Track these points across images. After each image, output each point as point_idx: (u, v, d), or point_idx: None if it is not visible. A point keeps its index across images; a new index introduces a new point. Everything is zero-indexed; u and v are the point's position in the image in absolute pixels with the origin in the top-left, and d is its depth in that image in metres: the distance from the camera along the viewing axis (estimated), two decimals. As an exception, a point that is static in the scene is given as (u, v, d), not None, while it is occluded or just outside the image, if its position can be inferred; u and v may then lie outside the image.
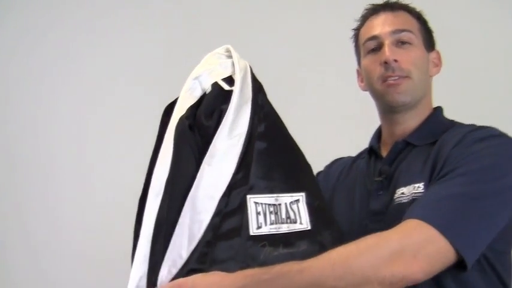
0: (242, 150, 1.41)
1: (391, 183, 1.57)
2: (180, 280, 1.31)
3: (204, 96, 1.47)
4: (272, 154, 1.45)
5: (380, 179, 1.61)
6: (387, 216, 1.50)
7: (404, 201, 1.48)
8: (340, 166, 1.81)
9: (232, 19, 2.78)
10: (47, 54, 2.92)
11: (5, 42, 2.96)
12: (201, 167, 1.38)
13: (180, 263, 1.33)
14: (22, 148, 2.88)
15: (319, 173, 1.83)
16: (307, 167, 1.51)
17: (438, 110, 1.68)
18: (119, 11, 2.93)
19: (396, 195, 1.52)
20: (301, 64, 2.70)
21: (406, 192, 1.50)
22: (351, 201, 1.67)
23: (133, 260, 1.38)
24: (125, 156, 2.81)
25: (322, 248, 1.40)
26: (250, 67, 1.51)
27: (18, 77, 2.93)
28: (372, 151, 1.72)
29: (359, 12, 1.72)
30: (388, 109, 1.65)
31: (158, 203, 1.39)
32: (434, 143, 1.56)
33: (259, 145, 1.44)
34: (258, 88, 1.49)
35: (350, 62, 1.79)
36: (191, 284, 1.29)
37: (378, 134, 1.74)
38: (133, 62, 2.91)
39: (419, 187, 1.48)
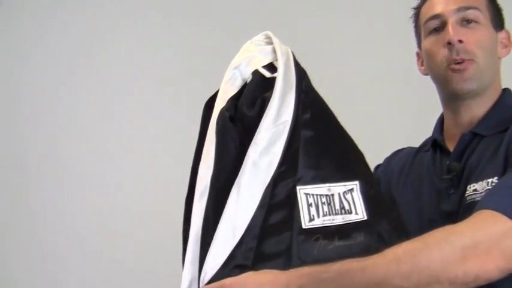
0: (288, 139, 1.33)
1: (461, 180, 1.45)
2: (228, 280, 1.22)
3: (245, 86, 1.39)
4: (320, 142, 1.36)
5: (449, 176, 1.48)
6: (460, 217, 1.36)
7: (478, 199, 1.36)
8: (401, 159, 1.68)
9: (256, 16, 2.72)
10: (64, 56, 2.90)
11: (20, 44, 2.95)
12: (246, 155, 1.30)
13: (223, 259, 1.25)
14: (33, 150, 2.86)
15: (377, 167, 1.71)
16: (359, 154, 1.41)
17: (506, 94, 1.54)
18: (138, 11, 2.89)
19: (468, 193, 1.41)
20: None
21: (478, 188, 1.39)
22: (418, 201, 1.54)
23: (184, 263, 1.31)
24: (138, 158, 2.78)
25: (380, 239, 1.31)
26: (293, 53, 1.42)
27: (32, 79, 2.91)
28: (436, 144, 1.58)
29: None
30: (452, 97, 1.52)
31: (204, 202, 1.31)
32: (504, 130, 1.43)
33: (306, 133, 1.35)
34: (301, 74, 1.40)
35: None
36: (241, 283, 1.21)
37: (441, 124, 1.60)
38: (151, 63, 2.86)
39: (492, 182, 1.36)
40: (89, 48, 2.87)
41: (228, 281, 1.22)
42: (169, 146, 2.61)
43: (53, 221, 2.80)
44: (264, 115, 1.33)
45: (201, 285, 1.24)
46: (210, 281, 1.24)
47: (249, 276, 1.22)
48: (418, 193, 1.55)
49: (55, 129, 2.86)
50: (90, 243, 2.74)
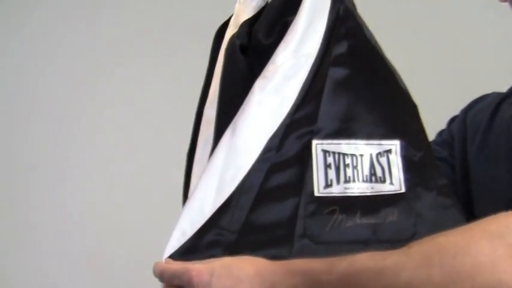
0: (309, 76, 1.00)
1: None
2: (196, 267, 0.90)
3: (264, 8, 1.07)
4: (354, 85, 1.02)
5: None
6: None
7: None
8: (479, 113, 1.27)
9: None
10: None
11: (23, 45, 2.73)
12: (251, 90, 0.99)
13: (199, 222, 0.94)
14: (29, 148, 2.65)
15: (452, 120, 1.33)
16: (410, 105, 1.06)
17: None
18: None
19: None
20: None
21: None
22: (493, 175, 1.17)
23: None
24: (134, 156, 2.59)
25: (421, 222, 0.97)
26: None
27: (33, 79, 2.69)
28: None
29: None
30: None
31: (208, 152, 1.02)
32: None
33: (336, 72, 1.02)
34: (342, -6, 1.06)
35: None
36: (212, 273, 0.89)
37: None
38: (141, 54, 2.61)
39: None
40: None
41: (196, 267, 0.90)
42: (168, 146, 2.36)
43: (50, 220, 2.62)
44: (282, 42, 1.01)
45: (164, 254, 0.94)
46: (178, 252, 0.94)
47: (224, 265, 0.90)
48: (494, 164, 1.17)
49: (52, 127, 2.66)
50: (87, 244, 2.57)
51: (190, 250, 0.93)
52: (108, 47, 2.60)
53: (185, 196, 1.06)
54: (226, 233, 0.94)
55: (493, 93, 1.28)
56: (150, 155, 2.57)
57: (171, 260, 0.93)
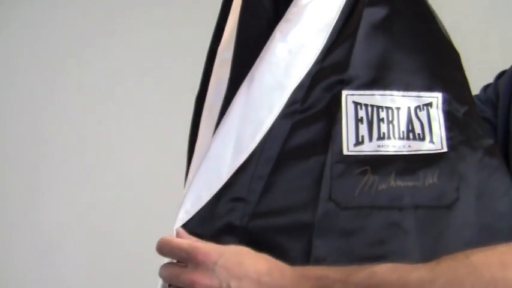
0: (339, 17, 0.88)
1: None
2: (204, 248, 0.80)
3: None
4: (392, 28, 0.90)
5: None
6: None
7: None
8: None
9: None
10: (44, 51, 2.53)
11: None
12: (272, 36, 0.87)
13: (216, 185, 0.84)
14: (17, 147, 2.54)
15: (500, 75, 1.18)
16: (453, 54, 0.93)
17: None
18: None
19: None
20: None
21: None
22: None
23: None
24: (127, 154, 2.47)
25: (465, 186, 0.85)
26: None
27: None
28: None
29: None
30: None
31: (220, 102, 0.90)
32: None
33: (372, 13, 0.89)
34: None
35: None
36: (217, 257, 0.79)
37: None
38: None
39: None
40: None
41: (203, 248, 0.79)
42: (167, 144, 2.25)
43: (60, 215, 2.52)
44: None
45: (177, 222, 0.83)
46: (193, 222, 0.83)
47: (237, 253, 0.80)
48: None
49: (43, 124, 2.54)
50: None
51: (206, 219, 0.83)
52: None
53: (191, 146, 0.94)
54: (245, 199, 0.83)
55: None
56: (154, 152, 2.49)
57: (184, 232, 0.82)
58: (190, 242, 0.80)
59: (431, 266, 0.75)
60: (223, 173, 0.83)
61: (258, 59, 0.86)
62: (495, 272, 0.73)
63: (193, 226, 0.83)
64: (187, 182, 0.90)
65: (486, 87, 1.16)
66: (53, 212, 2.44)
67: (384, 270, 0.75)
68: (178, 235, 0.82)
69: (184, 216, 0.83)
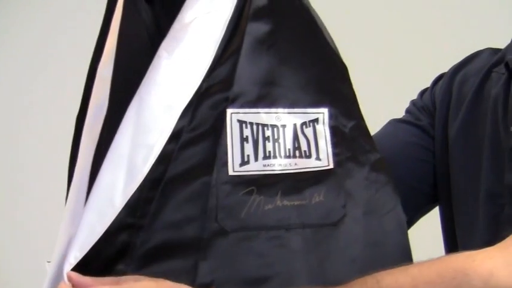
0: (224, 33, 0.85)
1: None
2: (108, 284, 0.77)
3: None
4: (277, 43, 0.88)
5: None
6: None
7: None
8: (467, 80, 1.08)
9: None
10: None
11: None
12: (157, 54, 0.84)
13: (111, 214, 0.80)
14: None
15: (438, 79, 1.14)
16: (339, 67, 0.92)
17: None
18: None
19: None
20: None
21: None
22: (474, 162, 1.02)
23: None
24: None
25: (352, 203, 0.85)
26: None
27: None
28: (511, 73, 1.01)
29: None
30: None
31: (100, 123, 0.86)
32: None
33: (256, 28, 0.87)
34: None
35: None
36: None
37: None
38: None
39: None
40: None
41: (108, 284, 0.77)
42: None
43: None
44: None
45: (66, 266, 0.79)
46: (87, 259, 0.79)
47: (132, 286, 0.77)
48: (476, 148, 1.02)
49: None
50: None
51: (102, 252, 0.79)
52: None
53: (71, 168, 0.90)
54: (137, 224, 0.80)
55: (486, 52, 1.11)
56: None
57: (76, 276, 0.78)
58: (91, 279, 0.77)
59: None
60: (116, 202, 0.80)
61: (145, 79, 0.83)
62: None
63: (88, 262, 0.79)
64: (69, 213, 0.86)
65: (423, 93, 1.15)
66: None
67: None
68: (70, 280, 0.78)
69: (77, 254, 0.79)
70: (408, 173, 1.06)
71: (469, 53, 1.12)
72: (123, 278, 0.78)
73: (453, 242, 1.04)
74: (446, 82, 1.12)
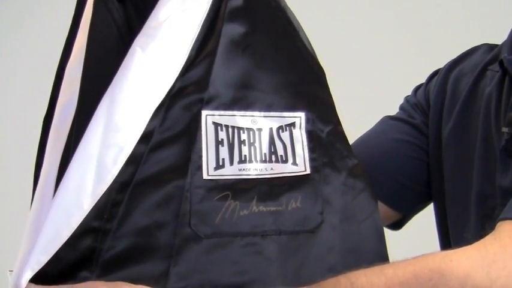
0: (201, 32, 0.83)
1: None
2: None
3: None
4: (253, 45, 0.86)
5: (507, 130, 0.94)
6: None
7: None
8: (462, 78, 1.06)
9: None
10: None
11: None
12: (130, 51, 0.81)
13: (78, 217, 0.76)
14: None
15: (432, 76, 1.12)
16: (317, 71, 0.90)
17: None
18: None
19: None
20: None
21: None
22: (465, 163, 1.01)
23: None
24: None
25: (329, 209, 0.83)
26: None
27: None
28: (505, 72, 0.99)
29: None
30: None
31: (68, 126, 0.83)
32: None
33: (231, 29, 0.85)
34: None
35: None
36: None
37: None
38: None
39: None
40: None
41: None
42: None
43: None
44: None
45: (27, 273, 0.75)
46: (51, 266, 0.76)
47: None
48: (469, 148, 1.01)
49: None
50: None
51: (66, 257, 0.76)
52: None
53: (37, 172, 0.87)
54: (103, 228, 0.77)
55: (482, 49, 1.08)
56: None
57: None
58: None
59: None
60: (84, 203, 0.76)
61: (117, 75, 0.80)
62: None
63: (49, 268, 0.76)
64: (32, 219, 0.83)
65: (417, 89, 1.13)
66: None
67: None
68: None
69: (41, 258, 0.75)
70: (400, 171, 1.04)
71: (465, 49, 1.11)
72: (77, 286, 0.75)
73: (447, 240, 1.02)
74: (441, 79, 1.10)
